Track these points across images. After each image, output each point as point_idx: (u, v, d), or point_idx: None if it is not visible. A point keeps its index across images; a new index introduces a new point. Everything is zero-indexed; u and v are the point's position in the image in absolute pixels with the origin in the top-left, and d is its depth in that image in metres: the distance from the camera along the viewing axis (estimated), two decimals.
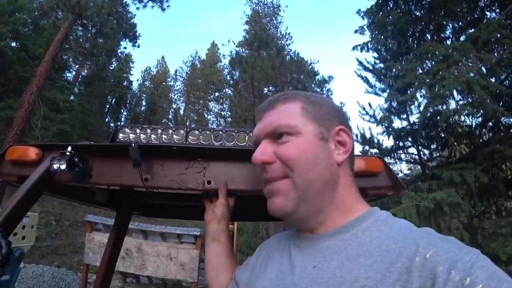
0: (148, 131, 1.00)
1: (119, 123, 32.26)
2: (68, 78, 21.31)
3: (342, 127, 0.60)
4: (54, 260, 8.92)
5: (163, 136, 0.99)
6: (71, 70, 22.00)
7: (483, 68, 4.03)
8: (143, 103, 37.34)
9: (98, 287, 1.59)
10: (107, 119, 30.97)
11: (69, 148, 0.88)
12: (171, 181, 0.91)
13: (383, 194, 0.96)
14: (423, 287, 0.41)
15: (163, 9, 12.65)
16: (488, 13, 5.14)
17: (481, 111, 3.90)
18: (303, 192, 0.54)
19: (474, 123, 5.08)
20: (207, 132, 0.98)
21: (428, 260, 0.42)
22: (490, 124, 4.72)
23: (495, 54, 4.20)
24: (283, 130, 0.57)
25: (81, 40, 13.27)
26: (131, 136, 1.01)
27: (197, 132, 0.98)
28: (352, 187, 0.61)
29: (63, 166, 0.84)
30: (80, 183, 0.97)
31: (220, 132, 0.98)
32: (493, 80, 4.07)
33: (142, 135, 1.00)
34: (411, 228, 0.52)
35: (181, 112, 37.65)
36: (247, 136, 0.96)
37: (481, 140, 4.94)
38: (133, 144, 0.84)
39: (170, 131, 0.98)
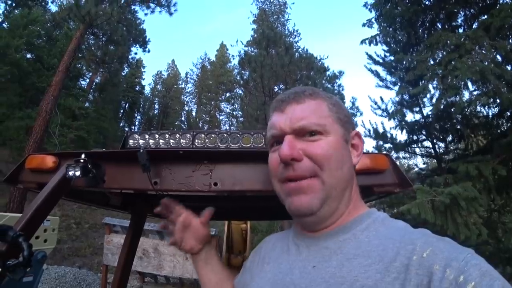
0: (157, 136, 1.03)
1: (133, 128, 33.03)
2: (83, 85, 21.95)
3: (358, 132, 0.63)
4: (75, 261, 9.24)
5: (171, 140, 1.02)
6: (85, 78, 22.68)
7: (498, 56, 3.88)
8: (156, 106, 38.06)
9: (116, 287, 1.65)
10: (121, 124, 31.72)
11: (83, 156, 0.93)
12: (179, 184, 0.94)
13: (390, 191, 0.96)
14: (420, 285, 0.42)
15: (170, 14, 12.84)
16: None
17: (497, 100, 3.76)
18: (330, 190, 0.55)
19: (491, 114, 4.89)
20: (213, 135, 1.01)
21: (425, 259, 0.43)
22: (508, 114, 4.54)
23: (510, 41, 4.03)
24: (314, 128, 0.56)
25: (93, 48, 13.67)
26: (141, 141, 1.05)
27: (203, 135, 1.01)
28: (357, 188, 0.62)
29: (77, 173, 0.89)
30: (94, 188, 1.02)
31: (225, 135, 1.00)
32: (508, 68, 3.91)
33: (151, 140, 1.03)
34: (408, 228, 0.53)
35: (194, 113, 38.10)
36: (252, 138, 0.98)
37: (499, 131, 4.75)
38: (141, 150, 0.87)
39: (177, 135, 1.02)
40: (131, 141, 1.05)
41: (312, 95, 0.60)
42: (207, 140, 0.99)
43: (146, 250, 5.43)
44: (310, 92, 0.61)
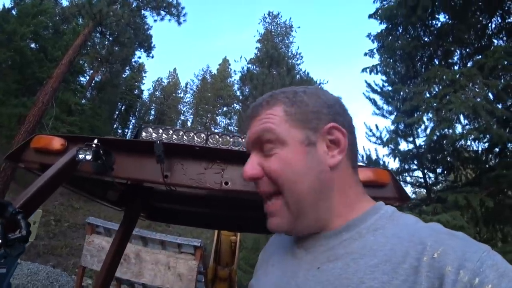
0: (170, 132, 1.05)
1: (126, 131, 32.78)
2: (82, 82, 21.85)
3: (334, 124, 0.53)
4: (50, 260, 8.86)
5: (184, 137, 1.05)
6: (85, 75, 22.60)
7: (490, 94, 4.09)
8: (152, 112, 37.91)
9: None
10: (115, 125, 31.40)
11: (95, 141, 0.93)
12: (190, 180, 0.94)
13: (390, 204, 1.00)
14: None
15: (179, 23, 13.14)
16: (495, 41, 5.25)
17: (488, 136, 3.92)
18: (296, 209, 0.52)
19: (480, 148, 5.08)
20: (227, 137, 1.04)
21: (436, 259, 0.40)
22: (497, 149, 4.71)
23: (502, 81, 4.27)
24: (265, 140, 0.53)
25: (98, 47, 13.76)
26: (154, 135, 1.07)
27: (217, 136, 1.04)
28: (352, 187, 0.55)
29: (88, 157, 0.88)
30: (101, 176, 1.02)
31: (240, 138, 1.04)
32: (499, 106, 4.11)
33: (164, 135, 1.06)
34: (418, 224, 0.49)
35: (189, 124, 38.02)
36: None
37: (487, 165, 4.90)
38: (158, 141, 0.89)
39: (192, 133, 1.04)
40: (143, 134, 1.07)
41: (269, 103, 0.56)
42: (220, 140, 1.02)
43: (127, 255, 5.23)
44: (267, 99, 0.56)
